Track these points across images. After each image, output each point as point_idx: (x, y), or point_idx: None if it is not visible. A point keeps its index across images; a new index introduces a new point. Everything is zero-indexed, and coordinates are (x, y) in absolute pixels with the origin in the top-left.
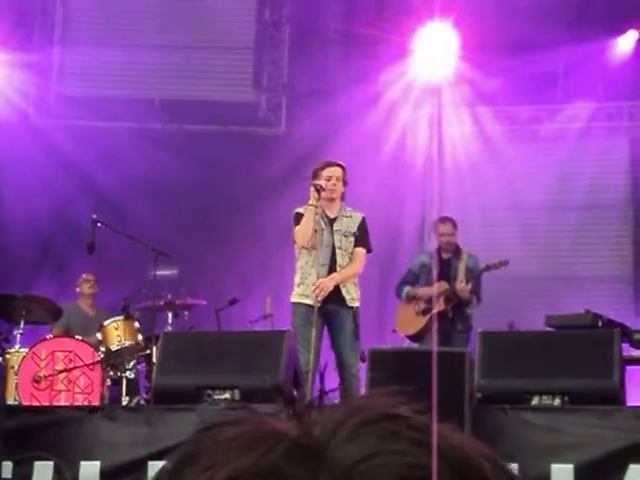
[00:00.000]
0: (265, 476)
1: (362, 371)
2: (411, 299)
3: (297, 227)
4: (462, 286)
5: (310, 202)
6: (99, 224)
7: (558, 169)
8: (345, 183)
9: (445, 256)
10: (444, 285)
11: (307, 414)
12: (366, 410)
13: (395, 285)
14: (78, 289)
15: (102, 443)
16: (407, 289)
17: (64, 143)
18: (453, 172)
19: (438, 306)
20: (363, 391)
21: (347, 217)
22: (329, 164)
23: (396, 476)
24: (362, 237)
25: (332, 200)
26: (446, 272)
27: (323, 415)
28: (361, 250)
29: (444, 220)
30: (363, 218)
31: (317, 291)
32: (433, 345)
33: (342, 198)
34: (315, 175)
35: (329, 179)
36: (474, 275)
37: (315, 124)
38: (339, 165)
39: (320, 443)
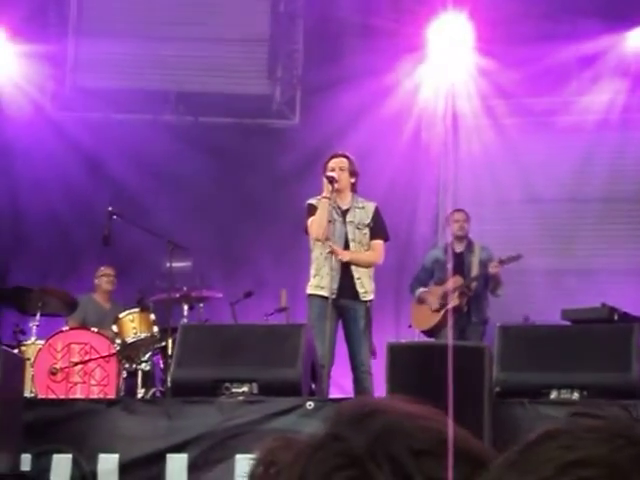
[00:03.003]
0: (607, 469)
1: (376, 366)
2: (423, 301)
3: (311, 219)
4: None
5: (324, 194)
6: (115, 216)
7: (574, 161)
8: (355, 174)
9: (458, 249)
10: (459, 280)
11: None
12: None
13: (410, 282)
14: (96, 281)
15: (121, 436)
16: (419, 292)
17: (80, 135)
18: (468, 165)
19: (453, 301)
20: (380, 386)
21: (360, 208)
22: (334, 155)
23: None
24: (378, 227)
25: (338, 191)
26: (460, 266)
27: None
28: (379, 242)
29: (458, 210)
30: (376, 207)
31: (333, 249)
32: (449, 340)
33: (354, 189)
34: (324, 168)
35: (332, 170)
36: (486, 270)
37: (329, 116)
38: (344, 155)
39: None
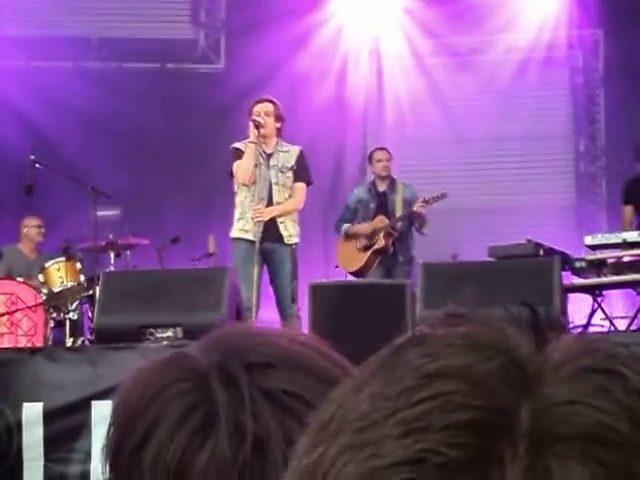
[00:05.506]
0: (469, 383)
1: (303, 306)
2: (351, 237)
3: (237, 163)
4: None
5: (250, 139)
6: (37, 165)
7: (499, 100)
8: (280, 118)
9: (381, 189)
10: (383, 220)
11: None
12: (591, 356)
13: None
14: (25, 230)
15: (44, 384)
16: (345, 227)
17: (1, 84)
18: (393, 106)
19: (378, 242)
20: (305, 327)
21: (284, 152)
22: (259, 100)
23: (588, 429)
24: (301, 171)
25: (264, 136)
26: (384, 205)
27: (560, 347)
28: (301, 185)
29: (379, 148)
30: (301, 151)
31: (255, 214)
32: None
33: (279, 134)
34: (250, 112)
35: (258, 115)
36: (410, 209)
37: (254, 59)
38: (269, 100)
39: (539, 373)
